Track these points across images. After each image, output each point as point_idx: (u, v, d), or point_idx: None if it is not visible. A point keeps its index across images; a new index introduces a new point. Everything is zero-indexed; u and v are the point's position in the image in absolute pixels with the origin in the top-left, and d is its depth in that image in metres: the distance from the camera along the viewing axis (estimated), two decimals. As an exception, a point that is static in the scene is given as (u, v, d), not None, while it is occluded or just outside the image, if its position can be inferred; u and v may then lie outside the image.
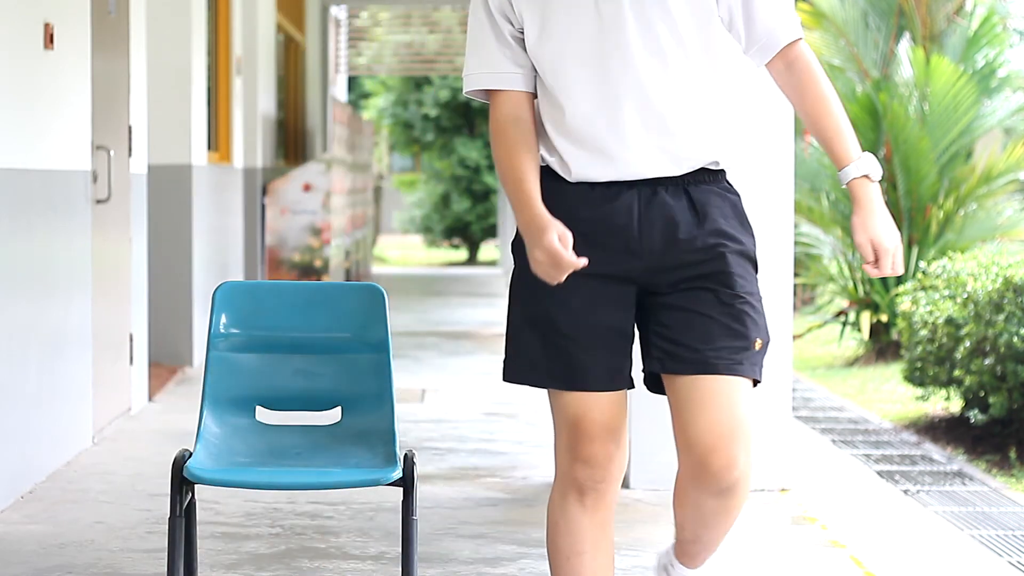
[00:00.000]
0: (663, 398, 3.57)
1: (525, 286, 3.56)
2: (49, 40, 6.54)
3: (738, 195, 3.60)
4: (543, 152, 3.54)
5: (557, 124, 3.50)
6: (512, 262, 3.63)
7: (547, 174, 3.54)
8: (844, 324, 12.22)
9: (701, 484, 3.48)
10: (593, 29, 3.46)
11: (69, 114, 6.93)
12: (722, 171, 3.57)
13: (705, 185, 3.52)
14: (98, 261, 7.40)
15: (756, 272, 3.58)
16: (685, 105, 3.47)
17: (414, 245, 30.39)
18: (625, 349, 3.57)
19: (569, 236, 3.38)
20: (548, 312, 3.53)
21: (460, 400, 8.95)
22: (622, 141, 3.46)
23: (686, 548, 3.75)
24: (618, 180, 3.48)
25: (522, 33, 3.52)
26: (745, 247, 3.54)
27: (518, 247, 3.55)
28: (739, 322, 3.47)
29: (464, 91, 3.65)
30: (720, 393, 3.45)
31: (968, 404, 8.16)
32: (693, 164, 3.50)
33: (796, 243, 12.66)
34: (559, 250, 3.36)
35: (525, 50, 3.53)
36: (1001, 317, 7.63)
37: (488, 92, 3.57)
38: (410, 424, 8.00)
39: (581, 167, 3.49)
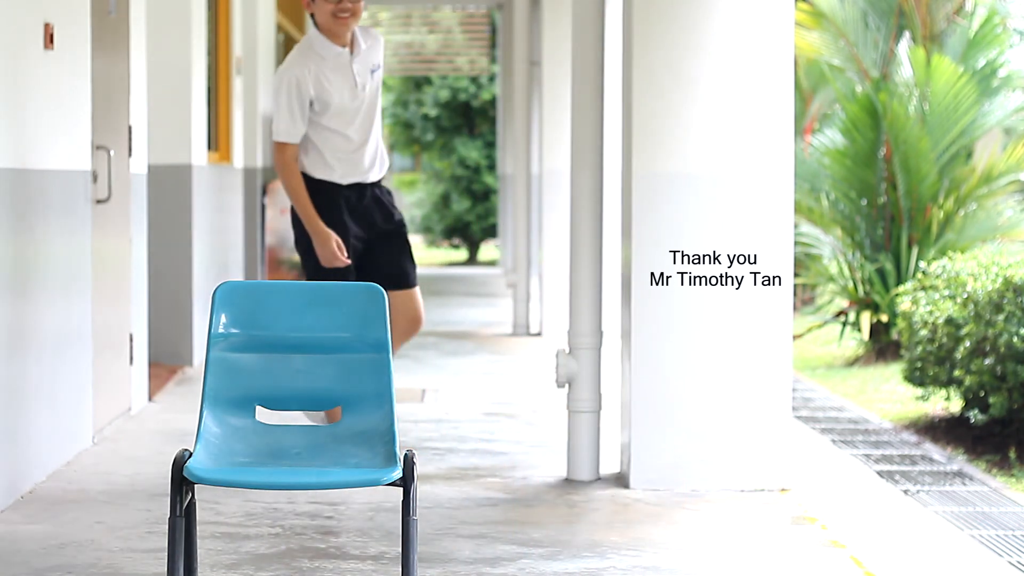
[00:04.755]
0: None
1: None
2: (49, 40, 6.54)
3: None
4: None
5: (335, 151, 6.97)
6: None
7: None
8: (844, 324, 12.22)
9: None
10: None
11: (69, 114, 6.93)
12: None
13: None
14: (98, 261, 7.40)
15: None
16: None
17: (414, 245, 30.36)
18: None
19: (341, 242, 6.77)
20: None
21: (460, 400, 8.95)
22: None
23: None
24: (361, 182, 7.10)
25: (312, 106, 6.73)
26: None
27: (304, 234, 6.75)
28: (409, 255, 7.21)
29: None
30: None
31: (968, 404, 8.16)
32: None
33: (796, 243, 12.66)
34: (337, 253, 6.72)
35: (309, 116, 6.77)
36: (1001, 317, 7.63)
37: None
38: (410, 424, 8.00)
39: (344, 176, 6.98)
